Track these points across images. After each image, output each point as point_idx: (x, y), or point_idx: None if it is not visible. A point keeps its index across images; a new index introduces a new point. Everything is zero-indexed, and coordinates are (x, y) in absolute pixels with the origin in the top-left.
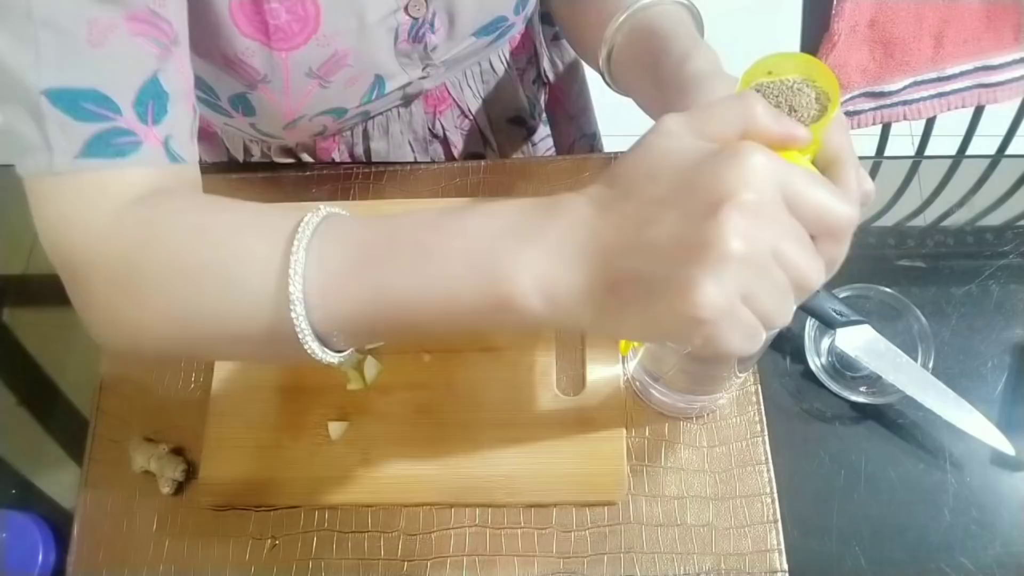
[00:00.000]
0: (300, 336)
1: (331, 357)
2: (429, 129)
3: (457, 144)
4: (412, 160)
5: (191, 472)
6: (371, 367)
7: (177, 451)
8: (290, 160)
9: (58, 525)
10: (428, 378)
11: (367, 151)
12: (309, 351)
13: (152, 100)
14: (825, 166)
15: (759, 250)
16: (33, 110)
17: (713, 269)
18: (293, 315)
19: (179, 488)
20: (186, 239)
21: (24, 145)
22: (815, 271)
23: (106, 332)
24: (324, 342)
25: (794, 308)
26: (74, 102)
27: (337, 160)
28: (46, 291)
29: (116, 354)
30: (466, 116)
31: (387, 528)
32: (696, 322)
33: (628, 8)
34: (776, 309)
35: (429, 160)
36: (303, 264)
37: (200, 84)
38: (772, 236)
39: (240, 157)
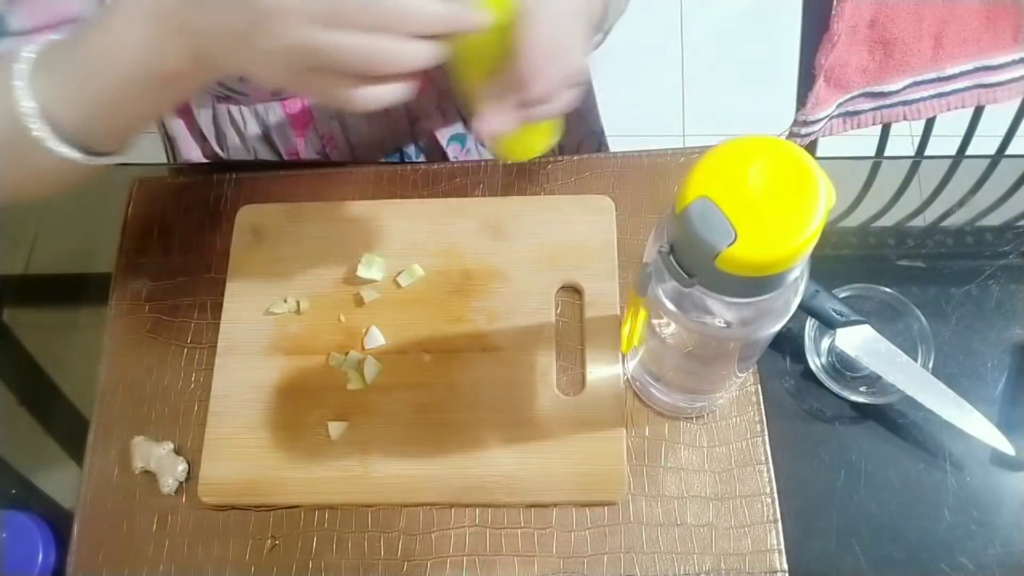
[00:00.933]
0: (57, 150)
1: (100, 159)
2: (408, 108)
3: (437, 124)
4: (394, 143)
5: (191, 472)
6: (371, 367)
7: (177, 451)
8: (272, 156)
9: (58, 525)
10: (428, 378)
11: (344, 128)
12: (72, 157)
13: None
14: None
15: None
16: None
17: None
18: (39, 133)
19: (179, 488)
20: None
21: None
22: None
23: None
24: (86, 148)
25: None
26: None
27: (313, 138)
28: (46, 291)
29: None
30: (446, 97)
31: (387, 528)
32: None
33: None
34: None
35: (412, 142)
36: (30, 93)
37: None
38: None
39: (214, 146)
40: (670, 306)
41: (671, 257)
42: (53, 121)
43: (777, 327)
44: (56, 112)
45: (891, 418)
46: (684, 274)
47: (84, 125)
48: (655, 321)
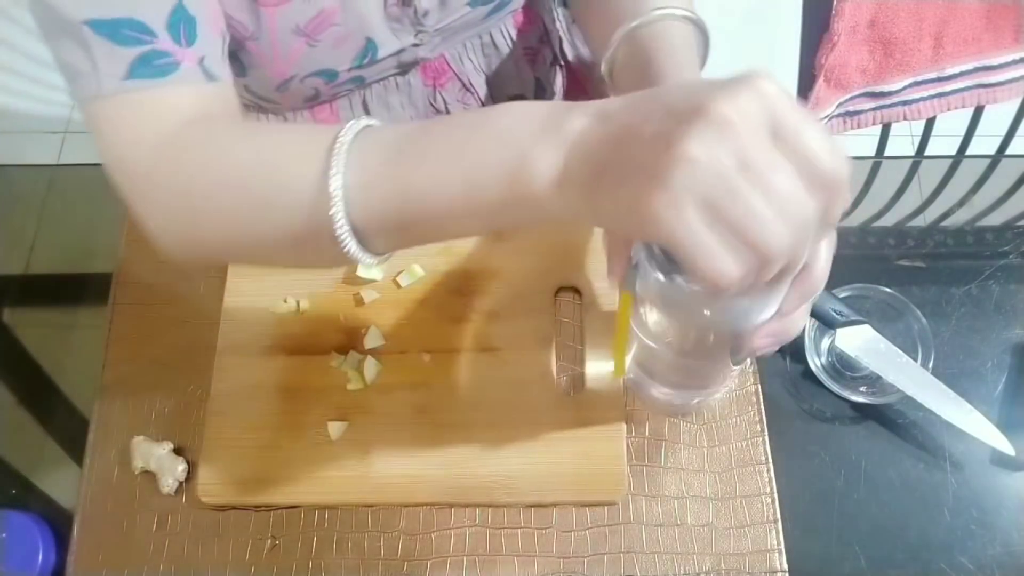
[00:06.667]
0: (339, 233)
1: (368, 258)
2: (431, 103)
3: None
4: None
5: (191, 472)
6: (371, 367)
7: (177, 451)
8: None
9: (58, 525)
10: (428, 378)
11: None
12: (347, 250)
13: (183, 24)
14: None
15: (717, 158)
16: (80, 40)
17: (667, 168)
18: (333, 211)
19: (179, 488)
20: (236, 150)
21: (75, 72)
22: (798, 200)
23: (166, 241)
24: (363, 242)
25: (788, 236)
26: (115, 29)
27: None
28: (46, 291)
29: (178, 262)
30: (468, 90)
31: (387, 528)
32: (649, 211)
33: (629, 24)
34: (750, 220)
35: None
36: (344, 163)
37: None
38: (738, 149)
39: None
40: (659, 291)
41: (654, 247)
42: (348, 206)
43: (763, 317)
44: (355, 194)
45: (891, 418)
46: (667, 263)
47: (377, 218)
48: (641, 310)
